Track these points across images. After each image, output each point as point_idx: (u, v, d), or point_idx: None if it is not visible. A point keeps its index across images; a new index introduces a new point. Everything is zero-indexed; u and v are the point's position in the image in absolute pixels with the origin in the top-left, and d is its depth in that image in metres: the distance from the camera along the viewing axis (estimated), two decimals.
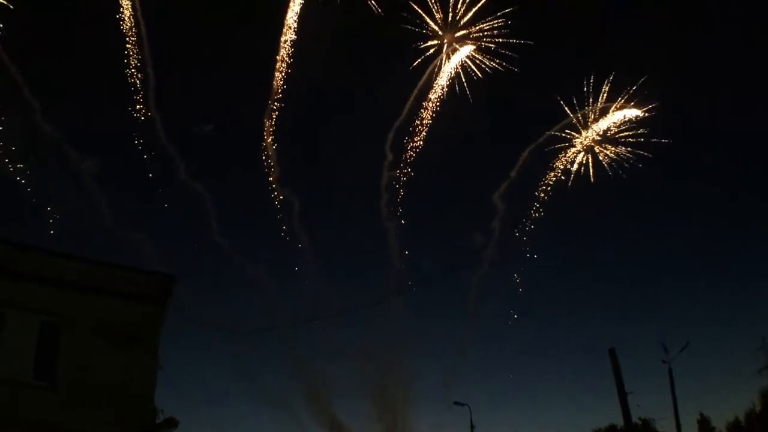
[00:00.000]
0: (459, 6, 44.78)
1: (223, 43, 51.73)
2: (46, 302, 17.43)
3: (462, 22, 45.35)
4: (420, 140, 48.37)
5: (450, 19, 45.20)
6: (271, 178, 47.52)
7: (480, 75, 46.17)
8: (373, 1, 43.48)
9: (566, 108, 47.37)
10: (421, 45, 45.71)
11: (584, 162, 48.63)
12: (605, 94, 46.26)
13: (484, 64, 45.97)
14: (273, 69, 45.06)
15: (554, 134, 48.52)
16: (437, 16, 44.99)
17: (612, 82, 46.02)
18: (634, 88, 45.93)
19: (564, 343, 64.36)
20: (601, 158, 48.05)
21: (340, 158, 55.15)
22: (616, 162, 47.69)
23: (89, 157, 44.80)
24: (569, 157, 48.96)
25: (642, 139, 46.83)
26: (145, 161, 45.90)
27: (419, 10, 44.68)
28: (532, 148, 50.20)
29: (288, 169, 48.16)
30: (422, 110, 47.88)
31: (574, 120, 47.75)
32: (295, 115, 47.54)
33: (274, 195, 47.46)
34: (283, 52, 44.63)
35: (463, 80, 46.37)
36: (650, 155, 46.79)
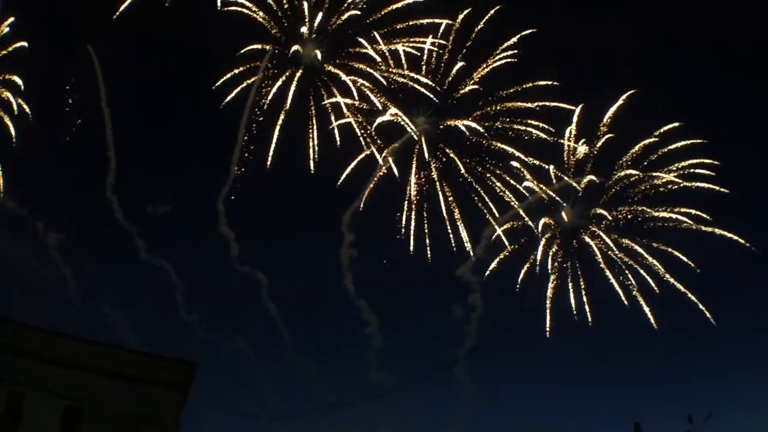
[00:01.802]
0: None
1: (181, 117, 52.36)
2: (69, 386, 17.98)
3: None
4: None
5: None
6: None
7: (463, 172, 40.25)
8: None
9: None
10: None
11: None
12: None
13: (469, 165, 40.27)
14: (230, 155, 43.89)
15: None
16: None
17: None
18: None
19: (587, 417, 62.44)
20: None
21: (298, 237, 54.49)
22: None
23: (54, 231, 44.94)
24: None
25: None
26: (107, 237, 46.26)
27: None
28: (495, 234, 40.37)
29: (247, 247, 47.73)
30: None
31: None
32: (249, 194, 45.83)
33: (236, 272, 46.14)
34: (240, 133, 42.85)
35: (438, 185, 40.86)
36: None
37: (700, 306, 36.25)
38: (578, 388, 60.83)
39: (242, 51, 40.18)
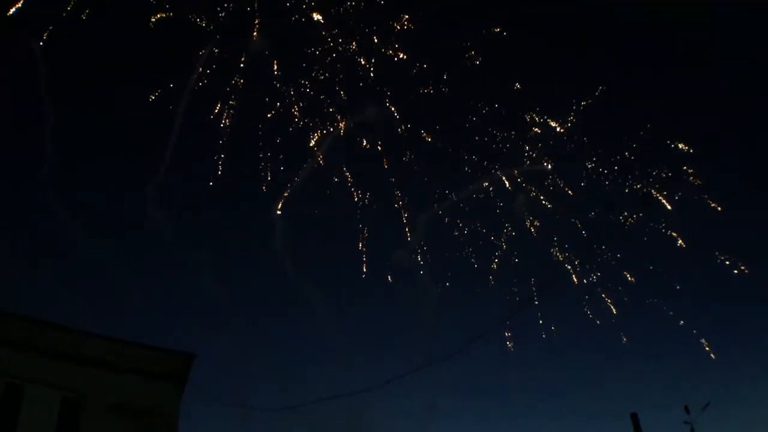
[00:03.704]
0: None
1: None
2: (66, 379, 18.02)
3: None
4: None
5: None
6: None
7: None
8: None
9: None
10: None
11: None
12: None
13: None
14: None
15: None
16: None
17: None
18: None
19: (584, 408, 62.89)
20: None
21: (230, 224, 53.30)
22: None
23: None
24: None
25: None
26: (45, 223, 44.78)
27: None
28: None
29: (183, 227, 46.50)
30: None
31: None
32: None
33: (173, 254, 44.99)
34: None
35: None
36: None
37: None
38: (570, 384, 62.11)
39: (185, 54, 33.88)
